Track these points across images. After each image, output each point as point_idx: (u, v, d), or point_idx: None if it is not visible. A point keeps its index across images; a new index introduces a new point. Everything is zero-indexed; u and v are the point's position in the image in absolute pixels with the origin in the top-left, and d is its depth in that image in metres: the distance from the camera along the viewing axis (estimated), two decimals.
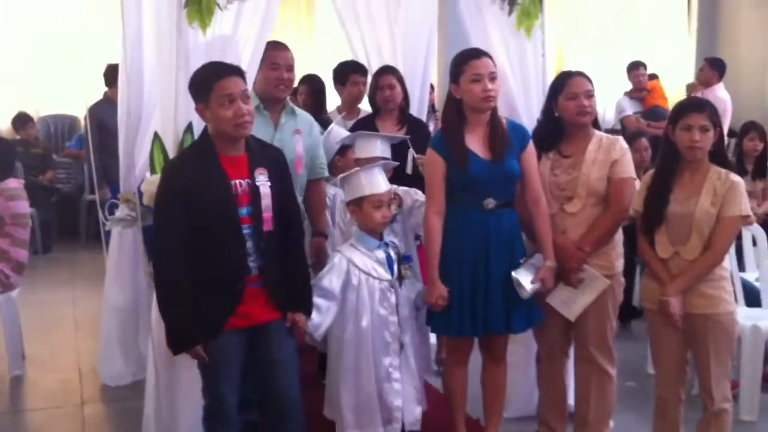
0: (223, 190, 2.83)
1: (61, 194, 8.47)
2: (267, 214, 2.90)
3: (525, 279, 3.25)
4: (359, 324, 3.30)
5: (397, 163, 3.71)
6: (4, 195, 4.70)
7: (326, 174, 3.98)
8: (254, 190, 2.87)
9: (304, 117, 3.91)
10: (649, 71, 8.76)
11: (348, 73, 4.76)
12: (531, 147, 3.36)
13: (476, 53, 3.33)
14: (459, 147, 3.28)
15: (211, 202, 2.82)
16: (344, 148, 4.05)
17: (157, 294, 2.90)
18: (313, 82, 5.39)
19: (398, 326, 3.36)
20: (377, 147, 3.74)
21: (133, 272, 4.48)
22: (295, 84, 5.81)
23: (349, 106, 4.87)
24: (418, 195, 3.71)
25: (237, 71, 2.89)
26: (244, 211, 2.86)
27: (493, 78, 3.26)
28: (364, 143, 3.78)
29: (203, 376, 2.99)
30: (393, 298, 3.35)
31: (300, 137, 3.77)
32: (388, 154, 3.74)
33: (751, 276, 4.56)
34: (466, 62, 3.28)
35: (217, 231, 2.83)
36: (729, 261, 3.31)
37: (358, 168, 3.43)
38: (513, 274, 3.25)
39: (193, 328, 2.83)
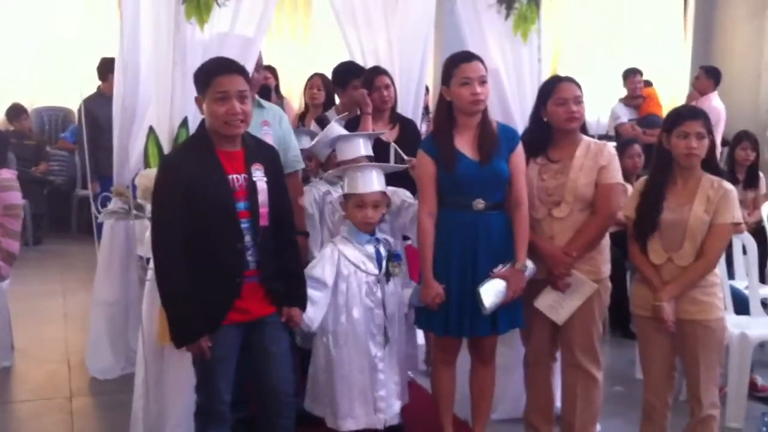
0: (222, 184, 2.83)
1: (54, 186, 8.46)
2: (263, 209, 2.90)
3: (487, 296, 3.24)
4: (351, 315, 3.34)
5: (403, 167, 3.71)
6: None
7: (301, 166, 3.95)
8: (251, 185, 2.88)
9: (273, 109, 3.89)
10: (644, 78, 8.68)
11: (350, 78, 4.75)
12: (520, 149, 3.37)
13: (467, 57, 3.35)
14: (447, 148, 3.30)
15: (210, 196, 2.82)
16: None
17: (159, 288, 2.88)
18: (328, 80, 5.49)
19: (383, 319, 3.39)
20: (360, 147, 3.73)
21: (124, 266, 4.48)
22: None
23: (349, 110, 4.88)
24: (406, 195, 3.73)
25: (239, 70, 2.88)
26: (241, 205, 2.86)
27: (483, 82, 3.28)
28: (346, 145, 3.74)
29: (198, 372, 2.97)
30: (379, 293, 3.38)
31: (269, 129, 3.73)
32: (370, 152, 3.74)
33: (740, 284, 4.60)
34: (456, 65, 3.30)
35: (216, 225, 2.83)
36: (719, 268, 3.33)
37: (361, 165, 3.47)
38: (478, 288, 3.24)
39: (195, 322, 2.83)
